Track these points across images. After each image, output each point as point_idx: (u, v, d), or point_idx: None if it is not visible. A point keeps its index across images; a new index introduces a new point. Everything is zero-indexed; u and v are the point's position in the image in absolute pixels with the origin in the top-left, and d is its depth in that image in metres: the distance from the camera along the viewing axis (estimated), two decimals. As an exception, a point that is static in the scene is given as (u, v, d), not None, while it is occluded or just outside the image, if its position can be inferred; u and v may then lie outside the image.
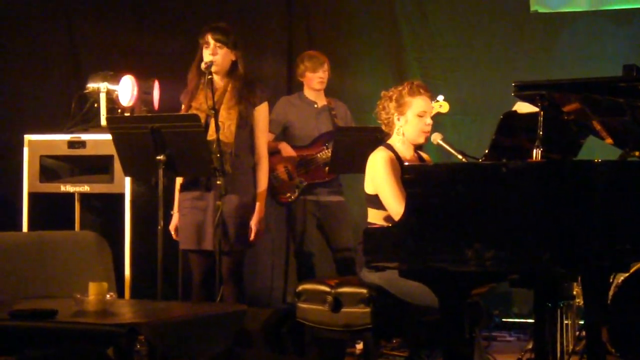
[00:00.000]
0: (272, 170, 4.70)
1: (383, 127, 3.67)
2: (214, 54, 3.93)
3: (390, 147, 3.61)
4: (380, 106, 3.64)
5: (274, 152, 4.75)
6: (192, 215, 3.97)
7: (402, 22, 5.59)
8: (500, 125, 3.39)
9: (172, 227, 4.05)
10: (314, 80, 4.87)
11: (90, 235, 4.06)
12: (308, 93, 4.93)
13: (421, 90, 3.58)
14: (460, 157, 3.58)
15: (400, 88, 3.60)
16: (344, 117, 4.86)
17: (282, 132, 4.89)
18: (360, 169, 3.69)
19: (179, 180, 4.06)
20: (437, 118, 5.22)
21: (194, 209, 3.97)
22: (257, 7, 5.75)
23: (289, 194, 4.77)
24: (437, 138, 3.64)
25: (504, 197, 2.95)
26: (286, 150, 4.76)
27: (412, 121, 3.57)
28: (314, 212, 4.78)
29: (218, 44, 3.95)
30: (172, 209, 4.07)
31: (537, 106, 3.12)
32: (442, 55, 5.54)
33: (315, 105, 4.91)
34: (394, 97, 3.58)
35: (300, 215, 4.80)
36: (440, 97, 4.40)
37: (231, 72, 4.02)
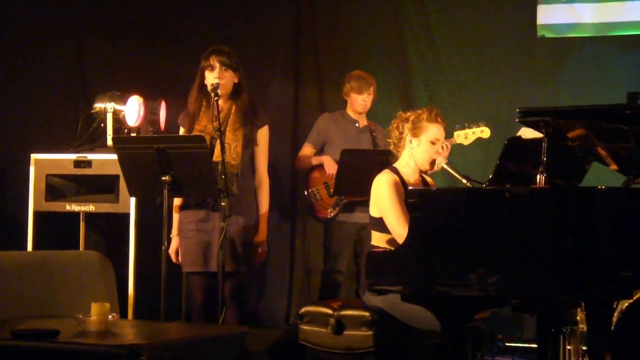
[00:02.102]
0: (311, 186, 4.83)
1: (391, 147, 3.72)
2: (220, 77, 3.97)
3: (395, 171, 3.65)
4: (395, 125, 3.70)
5: (314, 168, 4.84)
6: (198, 237, 4.00)
7: (409, 45, 5.63)
8: (505, 150, 3.41)
9: (172, 251, 4.06)
10: (357, 102, 4.95)
11: (94, 255, 4.09)
12: (351, 112, 5.01)
13: (439, 119, 3.65)
14: (464, 181, 3.61)
15: (419, 112, 3.67)
16: (382, 140, 4.86)
17: (322, 149, 4.98)
18: (366, 191, 3.73)
19: (177, 202, 4.08)
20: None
21: (200, 231, 4.00)
22: (264, 29, 5.79)
23: (328, 210, 4.81)
24: (441, 162, 3.68)
25: (507, 222, 2.97)
26: (330, 164, 4.80)
27: (424, 146, 3.62)
28: (352, 234, 4.79)
29: (223, 67, 4.00)
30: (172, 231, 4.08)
31: (541, 132, 3.15)
32: (449, 79, 5.57)
33: (357, 125, 4.98)
34: (411, 119, 3.65)
35: (337, 235, 4.84)
36: (481, 123, 4.53)
37: (234, 94, 4.07)
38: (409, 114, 3.68)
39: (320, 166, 4.86)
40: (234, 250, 3.97)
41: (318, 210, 4.88)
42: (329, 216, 4.83)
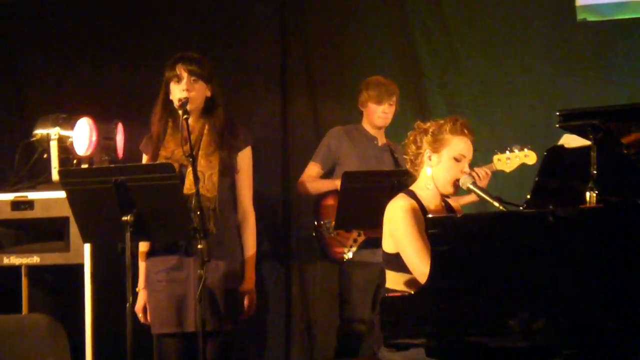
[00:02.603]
0: (324, 217, 4.82)
1: (408, 165, 3.73)
2: (188, 90, 3.98)
3: (412, 195, 3.64)
4: (412, 137, 3.70)
5: (327, 194, 4.84)
6: (169, 290, 3.99)
7: (420, 41, 5.67)
8: (545, 163, 3.43)
9: (138, 308, 4.05)
10: (376, 114, 4.98)
11: (42, 318, 4.08)
12: (367, 126, 5.03)
13: (465, 131, 3.64)
14: (496, 204, 3.61)
15: (441, 122, 3.67)
16: (403, 163, 4.92)
17: (332, 171, 4.97)
18: (374, 223, 3.72)
19: (143, 248, 4.08)
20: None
21: (172, 282, 3.99)
22: (243, 31, 5.83)
23: (344, 249, 4.81)
24: (467, 182, 3.67)
25: (553, 252, 2.97)
26: None
27: (445, 163, 3.62)
28: (373, 278, 4.77)
29: (192, 77, 4.01)
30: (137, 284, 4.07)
31: (588, 139, 3.16)
32: (469, 79, 5.60)
33: (375, 142, 5.01)
34: (430, 130, 3.65)
35: (356, 279, 4.84)
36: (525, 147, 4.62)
37: (207, 110, 4.08)
38: (428, 124, 3.69)
39: (334, 192, 4.85)
40: (215, 304, 3.96)
41: (332, 248, 4.86)
42: (345, 256, 4.82)
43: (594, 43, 5.44)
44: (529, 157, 4.66)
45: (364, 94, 5.01)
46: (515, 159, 4.71)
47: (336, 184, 4.85)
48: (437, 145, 3.63)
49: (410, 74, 5.68)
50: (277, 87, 5.82)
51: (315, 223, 4.94)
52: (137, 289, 4.06)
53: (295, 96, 5.82)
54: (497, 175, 4.86)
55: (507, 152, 4.75)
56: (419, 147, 3.67)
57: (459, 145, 3.62)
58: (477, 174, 4.62)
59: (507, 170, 4.74)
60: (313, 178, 5.03)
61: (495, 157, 4.75)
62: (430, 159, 3.64)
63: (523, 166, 4.79)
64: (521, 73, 5.52)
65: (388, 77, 5.16)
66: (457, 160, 3.62)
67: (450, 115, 3.73)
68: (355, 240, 4.81)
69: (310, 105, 5.80)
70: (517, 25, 5.54)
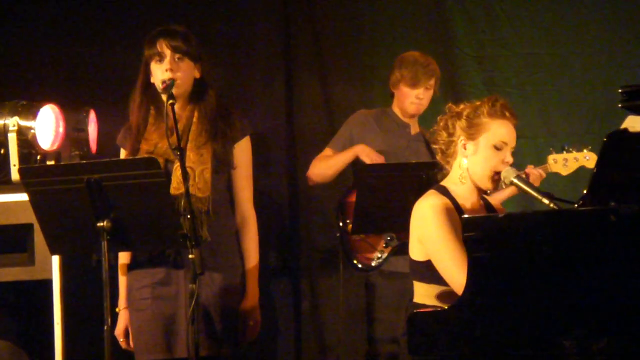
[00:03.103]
0: (349, 215, 4.84)
1: (438, 156, 3.75)
2: (173, 70, 4.00)
3: (445, 191, 3.67)
4: (442, 123, 3.73)
5: (349, 191, 4.90)
6: (155, 309, 4.03)
7: (452, 6, 5.69)
8: (604, 151, 3.43)
9: (119, 332, 4.11)
10: (408, 99, 5.03)
11: (2, 345, 4.10)
12: (398, 111, 5.09)
13: (506, 113, 3.66)
14: (545, 201, 3.63)
15: (477, 103, 3.68)
16: None
17: (356, 161, 5.00)
18: (400, 226, 3.75)
19: (123, 259, 4.12)
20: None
21: (158, 299, 4.04)
22: (239, 4, 5.85)
23: (374, 255, 4.85)
24: (510, 175, 3.70)
25: (615, 257, 3.02)
26: (369, 153, 4.87)
27: (483, 152, 3.64)
28: (405, 292, 4.76)
29: (177, 55, 4.03)
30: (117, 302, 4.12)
31: (657, 120, 3.19)
32: (513, 50, 5.62)
33: (408, 130, 5.06)
34: (464, 114, 3.67)
35: (386, 292, 4.90)
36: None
37: (196, 95, 4.11)
38: (462, 106, 3.71)
39: None
40: (211, 324, 4.00)
41: (359, 252, 4.90)
42: (373, 263, 4.86)
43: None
44: (590, 160, 4.69)
45: (396, 73, 5.04)
46: (573, 160, 4.76)
47: (355, 150, 4.88)
48: (473, 131, 3.65)
49: (441, 46, 5.71)
50: (281, 67, 5.85)
51: (341, 224, 4.97)
52: (117, 309, 4.10)
53: (301, 78, 5.85)
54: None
55: (564, 152, 4.78)
56: (451, 135, 3.69)
57: (500, 130, 3.64)
58: (530, 174, 4.66)
59: (564, 173, 4.79)
60: (323, 156, 5.05)
61: (551, 158, 4.79)
62: (465, 148, 3.66)
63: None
64: (577, 42, 5.54)
65: (414, 50, 5.17)
66: (497, 148, 3.64)
67: (489, 95, 3.74)
68: (387, 245, 4.84)
69: (319, 88, 5.84)
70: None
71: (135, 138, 4.13)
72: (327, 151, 5.09)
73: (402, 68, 5.02)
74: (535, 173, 4.72)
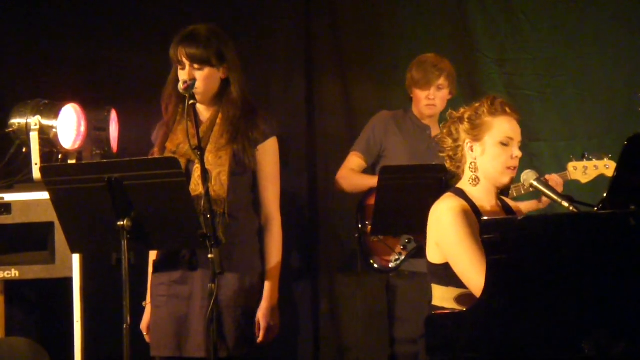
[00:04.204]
0: (367, 217, 4.86)
1: (447, 163, 3.75)
2: (194, 78, 3.98)
3: (462, 194, 3.67)
4: (446, 130, 3.73)
5: (372, 192, 4.87)
6: (170, 307, 4.04)
7: (474, 9, 5.68)
8: (625, 155, 3.43)
9: (144, 325, 4.14)
10: (421, 102, 5.05)
11: (22, 343, 4.13)
12: (418, 113, 5.11)
13: (507, 109, 3.66)
14: (565, 204, 3.63)
15: (476, 105, 3.69)
16: None
17: (374, 165, 5.04)
18: (418, 228, 3.75)
19: (153, 256, 4.15)
20: (532, 148, 5.30)
21: (173, 297, 4.05)
22: (261, 6, 5.85)
23: (391, 257, 4.86)
24: (530, 178, 3.70)
25: (635, 260, 3.01)
26: None
27: (491, 151, 3.64)
28: (425, 292, 4.78)
29: (196, 65, 4.02)
30: (144, 298, 4.15)
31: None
32: (534, 54, 5.61)
33: (428, 132, 5.08)
34: (466, 117, 3.68)
35: (407, 292, 4.90)
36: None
37: (221, 96, 4.11)
38: (462, 110, 3.72)
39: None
40: (227, 325, 4.00)
41: (378, 255, 4.92)
42: (391, 265, 4.86)
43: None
44: (610, 167, 4.68)
45: (408, 76, 5.09)
46: (593, 168, 4.75)
47: (375, 179, 4.90)
48: (477, 132, 3.66)
49: (461, 49, 5.70)
50: (301, 68, 5.86)
51: (360, 225, 4.98)
52: (143, 303, 4.14)
53: (322, 79, 5.85)
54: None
55: (584, 159, 4.77)
56: (456, 140, 3.70)
57: (503, 126, 3.65)
58: (550, 180, 4.65)
59: (583, 181, 4.77)
60: (355, 172, 5.09)
61: (571, 165, 4.78)
62: (472, 150, 3.67)
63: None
64: (597, 46, 5.52)
65: (431, 52, 5.17)
66: (504, 144, 3.64)
67: (508, 99, 3.74)
68: (404, 247, 4.85)
69: (339, 89, 5.84)
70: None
71: (164, 136, 4.14)
72: (353, 157, 5.12)
73: (413, 71, 5.05)
74: (554, 179, 4.71)
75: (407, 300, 4.90)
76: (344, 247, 5.28)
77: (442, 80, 5.01)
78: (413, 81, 5.05)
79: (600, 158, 4.77)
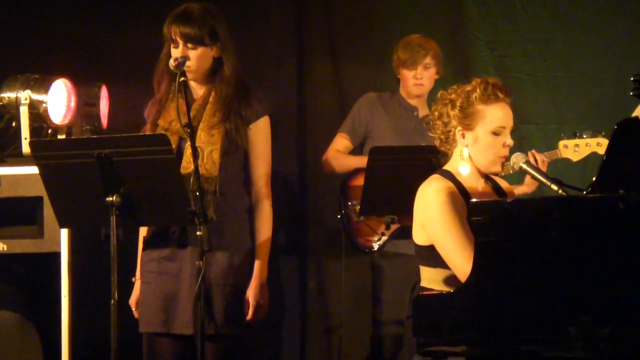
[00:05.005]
0: (352, 198, 4.91)
1: (438, 144, 3.73)
2: (185, 56, 3.98)
3: (449, 175, 3.66)
4: (437, 113, 3.69)
5: (356, 172, 4.91)
6: (158, 283, 4.06)
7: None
8: (615, 139, 3.43)
9: (132, 301, 4.15)
10: (408, 82, 5.08)
11: (10, 317, 4.13)
12: (405, 94, 5.10)
13: (499, 94, 3.61)
14: (554, 187, 3.64)
15: (468, 88, 3.64)
16: None
17: (362, 145, 5.06)
18: (405, 209, 3.75)
19: (143, 232, 4.16)
20: (523, 130, 5.30)
21: (162, 273, 4.06)
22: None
23: (374, 237, 4.86)
24: (519, 161, 3.70)
25: (622, 245, 3.01)
26: None
27: (483, 141, 3.61)
28: (410, 273, 4.74)
29: (189, 44, 4.03)
30: (133, 274, 4.16)
31: (669, 109, 3.18)
32: (526, 36, 5.61)
33: (416, 113, 5.09)
34: (457, 103, 3.63)
35: (390, 273, 4.92)
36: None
37: (214, 74, 4.11)
38: (453, 94, 3.65)
39: (363, 171, 4.84)
40: (216, 302, 4.01)
41: (360, 235, 4.94)
42: (374, 246, 4.87)
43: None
44: (602, 145, 4.67)
45: (395, 57, 5.11)
46: (585, 146, 4.74)
47: (360, 160, 4.91)
48: (469, 121, 3.61)
49: (453, 31, 5.70)
50: (292, 47, 5.85)
51: (341, 206, 5.00)
52: (132, 279, 4.15)
53: (313, 58, 5.85)
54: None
55: (577, 137, 4.76)
56: (446, 124, 3.66)
57: (496, 114, 3.60)
58: (535, 158, 4.65)
59: (575, 159, 4.76)
60: (341, 153, 5.11)
61: (562, 143, 4.77)
62: (463, 137, 3.63)
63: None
64: (590, 30, 5.53)
65: (425, 34, 5.17)
66: (496, 133, 3.60)
67: (477, 79, 3.69)
68: (388, 227, 4.86)
69: (330, 69, 5.83)
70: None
71: (156, 113, 4.14)
72: (339, 138, 5.15)
73: (399, 51, 5.07)
74: (538, 158, 4.70)
75: (390, 281, 4.93)
76: (331, 226, 5.28)
77: (428, 60, 5.03)
78: (400, 61, 5.07)
79: (593, 136, 4.75)
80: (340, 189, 5.06)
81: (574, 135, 4.78)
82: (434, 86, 5.09)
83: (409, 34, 5.19)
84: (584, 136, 4.76)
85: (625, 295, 3.01)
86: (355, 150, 5.09)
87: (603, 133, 4.74)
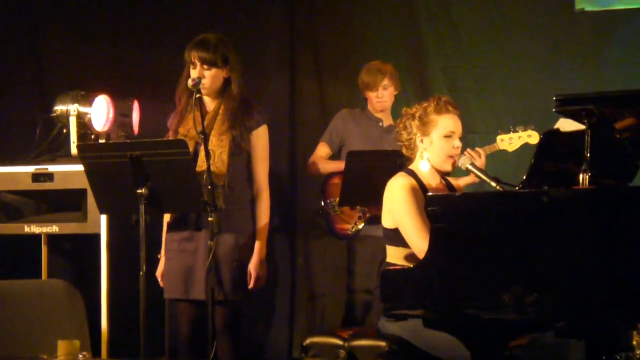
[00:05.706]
0: (330, 196, 4.90)
1: (403, 150, 3.74)
2: (202, 77, 3.99)
3: (412, 173, 3.67)
4: (401, 125, 3.73)
5: (333, 174, 4.92)
6: (179, 259, 4.06)
7: (424, 25, 5.65)
8: (541, 146, 3.44)
9: (158, 273, 4.15)
10: (373, 100, 5.04)
11: (60, 284, 4.12)
12: (372, 109, 5.08)
13: (449, 107, 3.66)
14: (493, 184, 3.63)
15: (424, 104, 3.68)
16: None
17: (340, 151, 5.05)
18: (376, 200, 3.75)
19: (166, 218, 4.16)
20: (469, 139, 5.29)
21: (182, 251, 4.06)
22: (254, 17, 5.81)
23: (349, 226, 4.85)
24: (465, 162, 3.70)
25: (546, 231, 3.01)
26: None
27: (437, 143, 3.64)
28: (377, 252, 4.74)
29: (205, 66, 4.02)
30: (158, 251, 4.15)
31: (583, 123, 3.17)
32: (472, 63, 5.59)
33: (381, 124, 5.06)
34: (417, 115, 3.67)
35: (361, 251, 4.91)
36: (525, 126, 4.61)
37: (224, 91, 4.11)
38: (414, 109, 3.71)
39: (340, 173, 4.86)
40: (224, 274, 4.01)
41: (337, 225, 4.94)
42: (350, 232, 4.87)
43: (591, 31, 5.42)
44: (532, 137, 4.64)
45: (359, 81, 5.07)
46: (518, 139, 4.71)
47: (338, 164, 4.91)
48: (425, 128, 3.65)
49: (415, 58, 5.67)
50: (286, 69, 5.82)
51: (322, 201, 5.00)
52: (158, 255, 4.14)
53: (303, 78, 5.82)
54: (496, 156, 4.86)
55: (511, 132, 4.75)
56: (409, 133, 3.69)
57: (446, 122, 3.64)
58: (470, 153, 4.64)
59: (510, 150, 4.73)
60: (323, 159, 5.09)
61: (499, 137, 4.75)
62: (422, 142, 3.66)
63: (522, 148, 4.79)
64: (521, 59, 5.51)
65: (393, 60, 5.16)
66: (447, 137, 3.64)
67: (433, 96, 3.74)
68: (360, 218, 4.85)
69: (317, 87, 5.79)
70: (518, 13, 5.52)
71: (178, 122, 4.13)
72: (321, 146, 5.12)
73: (362, 76, 5.04)
74: (473, 152, 4.67)
75: (362, 258, 4.92)
76: (315, 215, 5.28)
77: (386, 81, 4.99)
78: (363, 85, 5.04)
79: (524, 130, 4.72)
80: (320, 189, 5.05)
81: (509, 130, 4.76)
82: (394, 100, 5.08)
83: (379, 59, 5.18)
84: (518, 130, 4.73)
85: (548, 270, 3.02)
86: (334, 156, 5.07)
87: (533, 126, 4.72)
